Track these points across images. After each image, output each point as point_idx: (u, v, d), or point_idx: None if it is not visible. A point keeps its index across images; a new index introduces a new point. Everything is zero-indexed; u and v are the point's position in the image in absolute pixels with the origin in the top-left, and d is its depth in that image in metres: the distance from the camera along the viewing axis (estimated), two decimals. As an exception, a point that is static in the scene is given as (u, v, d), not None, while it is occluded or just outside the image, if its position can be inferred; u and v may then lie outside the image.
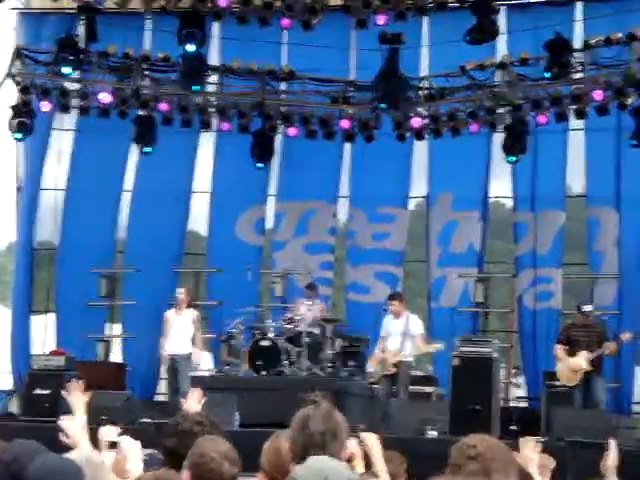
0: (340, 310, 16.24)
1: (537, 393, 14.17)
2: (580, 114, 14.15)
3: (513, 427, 12.39)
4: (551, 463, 4.69)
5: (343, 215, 16.95)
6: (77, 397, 5.15)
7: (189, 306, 13.44)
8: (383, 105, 14.40)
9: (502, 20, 14.26)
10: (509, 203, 16.69)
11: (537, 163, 15.48)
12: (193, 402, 5.37)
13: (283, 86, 15.94)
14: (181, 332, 13.20)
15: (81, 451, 4.26)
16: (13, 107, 14.97)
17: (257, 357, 13.28)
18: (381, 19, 13.46)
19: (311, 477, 3.33)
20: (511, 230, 16.28)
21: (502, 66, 14.09)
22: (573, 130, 15.38)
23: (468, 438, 3.34)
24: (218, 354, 15.08)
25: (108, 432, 4.92)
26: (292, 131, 15.67)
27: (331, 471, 3.37)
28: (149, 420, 11.83)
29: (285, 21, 13.89)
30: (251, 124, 15.61)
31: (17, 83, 15.05)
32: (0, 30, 16.04)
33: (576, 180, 16.12)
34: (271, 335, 13.52)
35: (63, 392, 5.29)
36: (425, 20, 15.27)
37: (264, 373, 13.23)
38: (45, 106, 15.16)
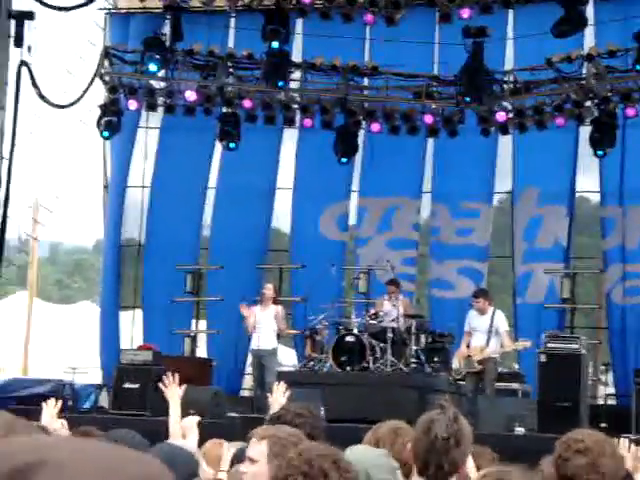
0: (423, 306, 16.15)
1: (627, 390, 13.90)
2: (670, 106, 13.83)
3: (602, 425, 12.17)
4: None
5: (426, 211, 16.85)
6: (173, 390, 5.28)
7: (274, 302, 13.53)
8: (467, 99, 14.26)
9: (590, 11, 13.99)
10: (596, 198, 16.41)
11: (625, 157, 15.18)
12: (279, 395, 5.42)
13: (366, 82, 15.91)
14: (267, 327, 13.30)
15: (178, 440, 4.34)
16: (101, 106, 15.23)
17: (341, 353, 13.27)
18: (465, 13, 13.34)
19: None
20: (598, 225, 16.00)
21: (589, 58, 13.83)
22: (663, 122, 15.03)
23: (574, 432, 3.30)
24: (302, 350, 15.13)
25: (190, 421, 5.04)
26: (375, 127, 15.64)
27: (372, 462, 3.32)
28: (236, 415, 11.93)
29: (368, 17, 13.86)
30: (334, 120, 15.62)
31: (105, 82, 15.31)
32: (89, 30, 16.35)
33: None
34: (355, 331, 13.51)
35: (160, 385, 5.41)
36: (510, 13, 15.09)
37: (348, 369, 13.22)
38: (132, 105, 15.40)
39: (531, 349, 12.88)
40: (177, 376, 5.45)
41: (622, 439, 4.49)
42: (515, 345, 13.05)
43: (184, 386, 5.44)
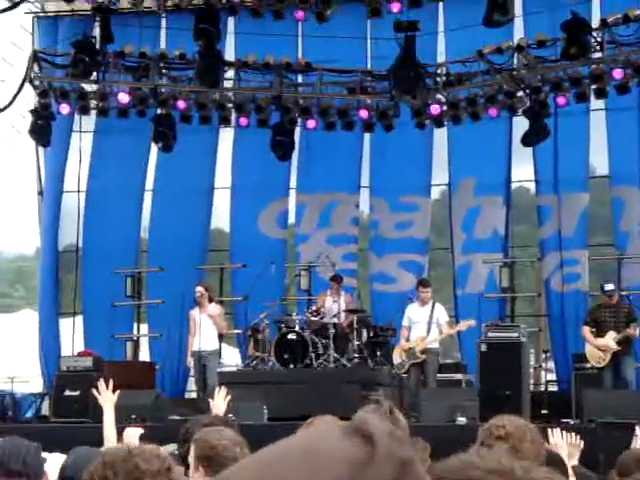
0: (365, 301, 16.17)
1: (567, 376, 14.08)
2: (600, 94, 14.02)
3: (544, 411, 12.31)
4: (580, 443, 4.65)
5: (365, 205, 16.90)
6: (106, 396, 5.24)
7: (211, 302, 13.45)
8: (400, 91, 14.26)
9: (518, 2, 14.13)
10: (532, 187, 16.58)
11: (558, 145, 15.35)
12: (220, 400, 5.39)
13: (300, 79, 15.90)
14: (207, 329, 13.22)
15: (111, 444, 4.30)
16: (32, 111, 15.02)
17: (284, 350, 13.26)
18: (395, 7, 13.40)
19: None
20: (535, 214, 16.17)
21: (519, 49, 13.97)
22: (594, 110, 15.24)
23: (496, 419, 3.32)
24: (244, 349, 15.09)
25: (133, 432, 4.98)
26: (311, 123, 15.64)
27: None
28: (178, 417, 11.84)
29: (299, 13, 13.87)
30: (270, 118, 15.59)
31: (35, 87, 15.10)
32: (17, 35, 16.11)
33: (599, 161, 15.99)
34: (297, 328, 13.51)
35: (93, 391, 5.37)
36: (440, 6, 15.18)
37: (291, 366, 13.21)
38: (64, 109, 15.21)
39: (473, 338, 12.98)
40: (111, 382, 5.40)
41: (554, 429, 4.54)
42: (458, 327, 13.15)
43: (117, 392, 5.40)
